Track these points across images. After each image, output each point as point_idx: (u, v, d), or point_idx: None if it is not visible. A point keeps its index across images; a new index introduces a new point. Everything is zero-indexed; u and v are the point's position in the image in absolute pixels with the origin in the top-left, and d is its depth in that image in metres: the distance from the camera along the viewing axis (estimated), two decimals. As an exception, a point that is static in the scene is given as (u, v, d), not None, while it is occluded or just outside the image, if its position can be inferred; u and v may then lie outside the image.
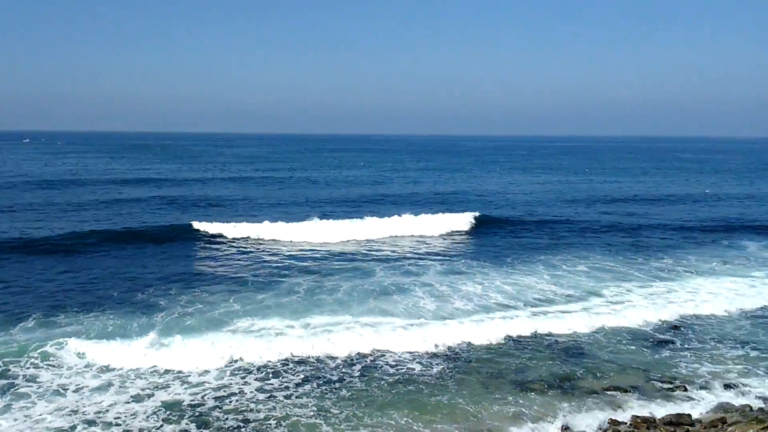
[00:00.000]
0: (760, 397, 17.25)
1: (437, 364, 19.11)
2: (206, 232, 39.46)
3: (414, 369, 18.74)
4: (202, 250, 35.56)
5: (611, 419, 15.48)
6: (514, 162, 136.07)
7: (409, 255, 34.82)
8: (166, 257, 33.10)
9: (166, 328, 21.08)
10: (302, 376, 18.07)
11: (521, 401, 16.54)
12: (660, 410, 16.15)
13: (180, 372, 18.07)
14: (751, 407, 16.48)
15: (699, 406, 16.64)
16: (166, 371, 18.10)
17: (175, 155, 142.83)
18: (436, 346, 20.42)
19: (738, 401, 16.91)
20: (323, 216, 45.13)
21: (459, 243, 39.29)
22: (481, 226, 43.91)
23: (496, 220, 46.50)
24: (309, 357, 19.45)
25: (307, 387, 17.36)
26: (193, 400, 16.39)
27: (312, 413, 15.71)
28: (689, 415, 15.81)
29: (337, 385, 17.54)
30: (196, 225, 40.36)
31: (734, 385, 18.00)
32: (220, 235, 38.95)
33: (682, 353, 20.45)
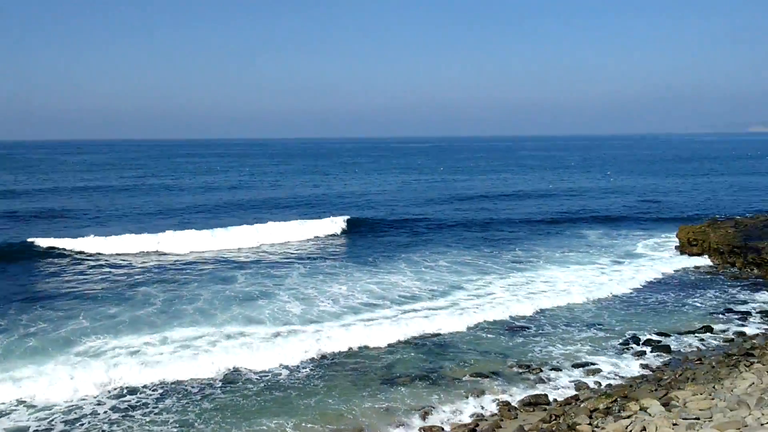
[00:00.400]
0: (607, 374, 18.71)
1: (305, 368, 18.83)
2: (48, 247, 36.27)
3: (281, 374, 18.34)
4: (45, 266, 32.66)
5: (474, 404, 16.08)
6: (374, 163, 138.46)
7: (271, 260, 34.21)
8: (1, 277, 30.06)
9: (6, 352, 19.10)
10: (161, 391, 17.07)
11: (392, 396, 16.71)
12: (519, 393, 16.99)
13: (24, 397, 16.40)
14: (599, 383, 17.82)
15: (554, 386, 17.70)
16: (9, 397, 16.36)
17: (8, 166, 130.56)
18: (306, 351, 20.00)
19: (588, 379, 18.20)
20: (182, 225, 43.21)
21: (322, 245, 39.22)
22: (343, 228, 44.11)
23: (358, 221, 46.94)
24: (169, 371, 18.39)
25: (168, 402, 16.42)
26: (40, 426, 14.94)
27: (174, 429, 14.86)
28: (546, 395, 16.77)
29: (199, 397, 16.74)
30: (35, 240, 36.96)
31: (584, 364, 19.35)
32: (64, 250, 35.97)
33: (536, 338, 21.69)
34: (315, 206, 57.45)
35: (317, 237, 42.01)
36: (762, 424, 11.95)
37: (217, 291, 26.64)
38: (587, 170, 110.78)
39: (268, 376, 18.25)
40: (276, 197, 65.66)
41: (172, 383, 17.60)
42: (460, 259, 33.84)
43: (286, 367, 18.85)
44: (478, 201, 61.94)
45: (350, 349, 20.43)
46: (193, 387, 17.39)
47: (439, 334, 21.97)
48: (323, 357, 19.75)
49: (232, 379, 17.99)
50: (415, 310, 24.35)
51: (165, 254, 35.68)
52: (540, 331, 22.49)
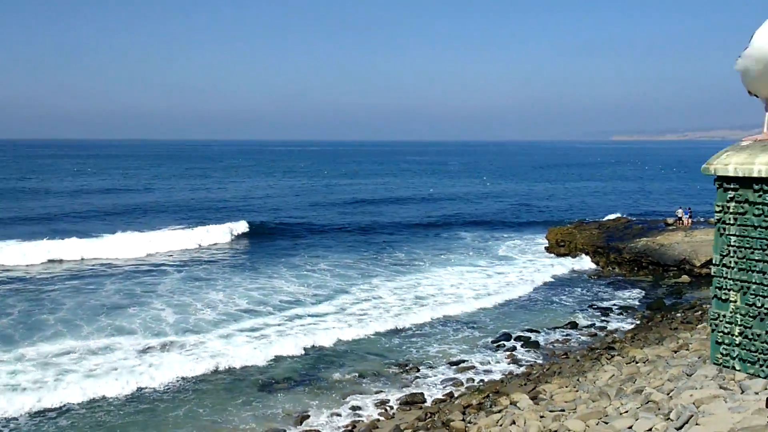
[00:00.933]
0: (481, 371, 19.32)
1: (177, 381, 17.91)
2: None
3: (146, 388, 17.20)
4: None
5: (353, 406, 16.04)
6: (256, 167, 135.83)
7: (144, 267, 32.50)
8: None
9: None
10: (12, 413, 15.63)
11: (269, 403, 16.30)
12: (397, 392, 17.14)
13: None
14: (473, 380, 18.35)
15: (430, 384, 18.01)
16: None
17: None
18: (179, 363, 19.00)
19: (462, 376, 18.69)
20: (45, 233, 40.23)
21: (199, 251, 37.86)
22: (223, 233, 42.75)
23: (239, 225, 45.60)
24: (20, 391, 16.88)
25: (22, 421, 15.07)
26: None
27: (28, 451, 13.66)
28: (422, 394, 17.03)
29: (54, 414, 15.47)
30: None
31: (459, 362, 19.87)
32: None
33: (414, 339, 22.02)
34: (193, 211, 55.45)
35: (194, 243, 40.30)
36: (621, 413, 12.72)
37: (83, 301, 24.93)
38: (466, 175, 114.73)
39: (133, 388, 17.13)
40: (150, 202, 62.68)
41: (27, 401, 16.13)
42: (343, 262, 33.83)
43: (152, 378, 17.77)
44: (360, 205, 62.37)
45: (226, 359, 19.66)
46: (52, 404, 16.07)
47: (321, 339, 21.70)
48: (196, 368, 18.90)
49: (96, 393, 16.75)
50: (298, 316, 23.88)
51: (27, 265, 32.89)
52: (418, 332, 22.86)
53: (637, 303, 27.42)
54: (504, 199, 70.86)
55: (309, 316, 24.08)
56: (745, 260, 2.95)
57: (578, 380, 17.24)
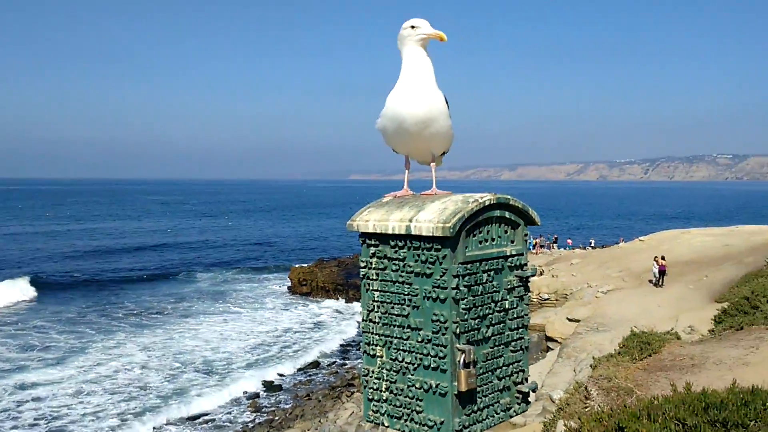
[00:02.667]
0: (222, 423, 18.46)
1: None
2: None
3: None
4: None
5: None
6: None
7: None
8: None
9: None
10: None
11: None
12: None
13: None
14: None
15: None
16: None
17: None
18: None
19: (201, 429, 17.67)
20: None
21: None
22: None
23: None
24: None
25: None
26: None
27: None
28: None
29: None
30: None
31: (197, 416, 18.78)
32: None
33: (146, 394, 20.35)
34: None
35: None
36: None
37: None
38: (208, 215, 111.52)
39: None
40: None
41: None
42: (80, 319, 30.35)
43: None
44: (92, 256, 56.64)
45: None
46: None
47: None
48: None
49: None
50: (20, 387, 20.70)
51: None
52: (157, 386, 21.22)
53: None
54: (247, 239, 70.24)
55: (36, 385, 20.88)
56: (387, 315, 3.02)
57: (320, 421, 17.37)
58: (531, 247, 40.28)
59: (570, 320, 23.77)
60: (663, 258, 26.42)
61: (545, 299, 29.14)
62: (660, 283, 25.63)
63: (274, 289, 39.70)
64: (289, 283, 39.94)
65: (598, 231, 74.00)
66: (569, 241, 48.61)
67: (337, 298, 36.95)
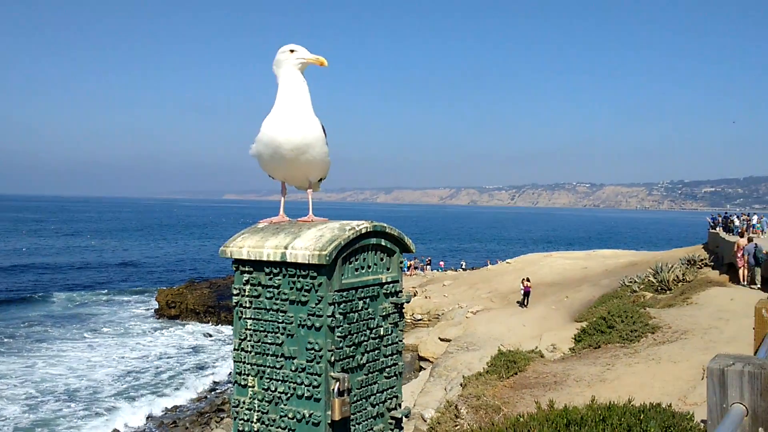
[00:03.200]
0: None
1: None
2: None
3: None
4: None
5: None
6: None
7: None
8: None
9: None
10: None
11: None
12: None
13: None
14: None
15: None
16: None
17: None
18: None
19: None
20: None
21: None
22: None
23: None
24: None
25: None
26: None
27: None
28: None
29: None
30: None
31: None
32: None
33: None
34: None
35: None
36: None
37: None
38: (67, 233, 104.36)
39: None
40: None
41: None
42: None
43: None
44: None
45: None
46: None
47: None
48: None
49: None
50: None
51: None
52: (16, 417, 19.41)
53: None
54: (111, 258, 66.37)
55: None
56: (260, 344, 2.95)
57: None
58: (406, 269, 41.08)
59: (442, 340, 24.44)
60: (528, 279, 27.89)
61: (418, 320, 29.77)
62: (525, 304, 27.01)
63: (140, 312, 37.68)
64: (156, 306, 38.08)
65: (468, 253, 76.94)
66: (441, 263, 50.16)
67: (208, 321, 35.70)
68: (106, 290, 45.76)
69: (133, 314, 37.12)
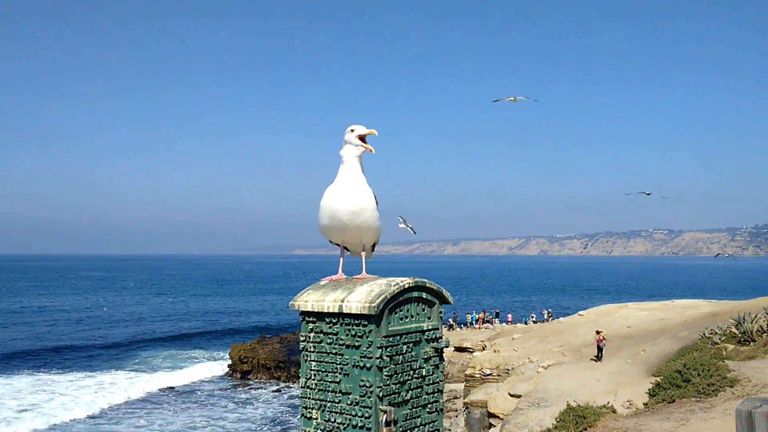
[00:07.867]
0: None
1: None
2: None
3: None
4: None
5: None
6: None
7: None
8: None
9: None
10: None
11: None
12: None
13: None
14: None
15: None
16: None
17: None
18: None
19: None
20: None
21: None
22: None
23: None
24: None
25: None
26: None
27: None
28: None
29: None
30: None
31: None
32: None
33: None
34: None
35: None
36: None
37: None
38: (147, 291, 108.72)
39: None
40: None
41: None
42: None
43: None
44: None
45: None
46: None
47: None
48: None
49: None
50: None
51: None
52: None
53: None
54: (188, 314, 68.78)
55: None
56: (322, 382, 3.54)
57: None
58: (474, 323, 40.97)
59: (512, 395, 24.04)
60: (601, 332, 27.20)
61: (487, 374, 29.42)
62: (599, 357, 26.31)
63: (218, 368, 38.95)
64: (230, 362, 39.20)
65: (538, 306, 75.58)
66: (509, 316, 49.58)
67: (278, 377, 36.44)
68: (190, 345, 47.55)
69: (209, 368, 38.35)
